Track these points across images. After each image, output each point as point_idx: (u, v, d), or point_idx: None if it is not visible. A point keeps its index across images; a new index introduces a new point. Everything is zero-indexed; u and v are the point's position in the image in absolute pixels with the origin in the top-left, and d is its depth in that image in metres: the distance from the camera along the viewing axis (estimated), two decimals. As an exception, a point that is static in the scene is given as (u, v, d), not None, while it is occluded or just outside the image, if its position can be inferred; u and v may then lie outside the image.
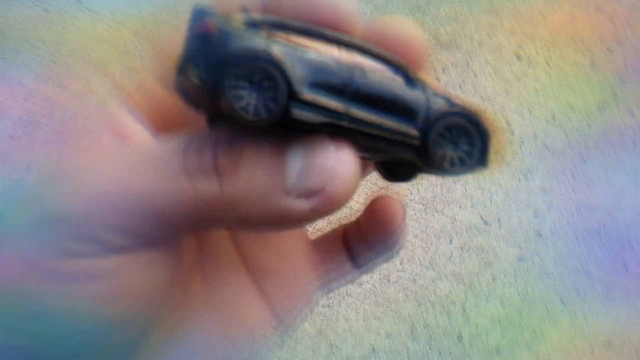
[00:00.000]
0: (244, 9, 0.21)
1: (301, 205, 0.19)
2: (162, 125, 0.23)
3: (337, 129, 0.20)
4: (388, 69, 0.21)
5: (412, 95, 0.21)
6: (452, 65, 1.09)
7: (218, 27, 0.19)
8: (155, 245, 0.20)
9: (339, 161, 0.19)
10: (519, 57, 1.07)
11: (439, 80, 1.08)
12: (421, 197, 1.01)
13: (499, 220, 1.01)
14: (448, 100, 0.22)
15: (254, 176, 0.19)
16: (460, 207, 1.03)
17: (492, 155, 0.22)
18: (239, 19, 0.20)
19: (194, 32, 0.20)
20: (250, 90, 0.19)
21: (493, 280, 0.98)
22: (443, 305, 0.98)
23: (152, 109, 0.24)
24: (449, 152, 0.22)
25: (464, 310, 0.97)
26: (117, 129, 0.22)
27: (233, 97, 0.19)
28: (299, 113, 0.19)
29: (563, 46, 1.07)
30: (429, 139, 0.21)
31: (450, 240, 1.02)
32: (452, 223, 1.03)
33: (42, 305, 0.19)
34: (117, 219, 0.19)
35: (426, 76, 0.22)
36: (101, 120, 0.22)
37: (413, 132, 0.21)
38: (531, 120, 1.02)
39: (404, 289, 0.97)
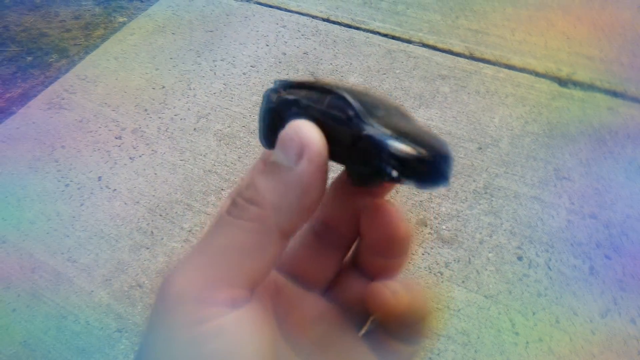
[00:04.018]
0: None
1: (303, 165, 0.25)
2: None
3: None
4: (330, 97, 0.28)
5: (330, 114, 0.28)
6: (455, 261, 1.12)
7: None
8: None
9: (300, 125, 0.26)
10: (519, 258, 1.11)
11: (442, 275, 1.11)
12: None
13: None
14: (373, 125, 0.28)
15: (267, 184, 0.26)
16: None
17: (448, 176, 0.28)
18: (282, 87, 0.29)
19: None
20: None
21: None
22: None
23: None
24: (353, 167, 0.28)
25: None
26: None
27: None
28: None
29: (562, 250, 1.11)
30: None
31: None
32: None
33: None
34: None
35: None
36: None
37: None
38: (535, 322, 1.02)
39: None
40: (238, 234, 0.25)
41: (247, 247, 0.25)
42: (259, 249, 0.25)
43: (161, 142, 1.45)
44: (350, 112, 0.28)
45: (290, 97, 0.29)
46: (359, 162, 0.27)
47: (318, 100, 0.29)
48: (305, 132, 0.26)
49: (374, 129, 0.28)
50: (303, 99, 0.28)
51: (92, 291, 1.15)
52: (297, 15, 1.81)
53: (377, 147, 0.27)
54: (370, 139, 0.27)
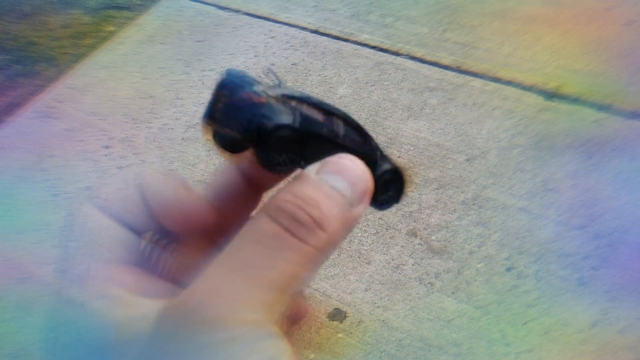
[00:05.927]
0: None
1: (361, 208, 0.25)
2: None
3: None
4: (355, 130, 0.29)
5: (366, 151, 0.29)
6: (445, 272, 1.13)
7: (266, 100, 0.25)
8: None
9: (365, 170, 0.26)
10: (509, 269, 1.12)
11: (432, 286, 1.11)
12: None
13: None
14: (385, 158, 0.30)
15: (336, 212, 0.24)
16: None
17: (405, 194, 0.31)
18: (275, 93, 0.25)
19: (237, 97, 0.25)
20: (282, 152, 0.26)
21: None
22: None
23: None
24: (380, 196, 0.30)
25: None
26: None
27: (272, 159, 0.26)
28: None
29: (551, 261, 1.12)
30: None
31: None
32: None
33: None
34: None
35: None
36: None
37: None
38: (525, 333, 1.03)
39: None
40: (305, 263, 0.23)
41: (307, 276, 0.24)
42: (311, 278, 0.24)
43: (150, 152, 1.45)
44: (373, 143, 0.29)
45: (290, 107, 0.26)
46: (379, 190, 0.29)
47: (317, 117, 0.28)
48: (369, 179, 0.26)
49: (390, 159, 0.30)
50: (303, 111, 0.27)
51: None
52: (286, 26, 1.82)
53: (402, 179, 0.30)
54: (399, 172, 0.30)
